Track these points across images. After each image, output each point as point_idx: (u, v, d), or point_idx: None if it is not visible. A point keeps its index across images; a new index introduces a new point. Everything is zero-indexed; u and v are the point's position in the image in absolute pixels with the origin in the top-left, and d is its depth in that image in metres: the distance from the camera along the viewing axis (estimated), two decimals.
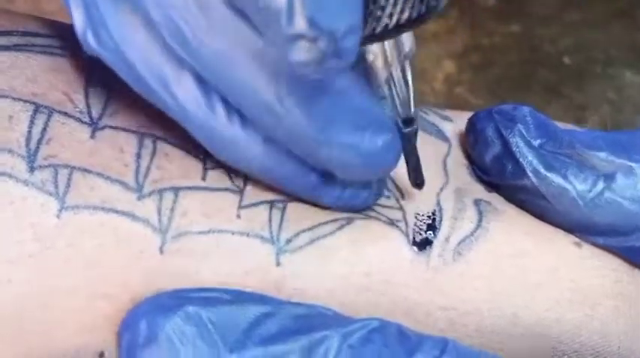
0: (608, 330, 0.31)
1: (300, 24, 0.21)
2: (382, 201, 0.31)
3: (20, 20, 0.30)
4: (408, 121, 0.29)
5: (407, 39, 0.27)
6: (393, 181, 0.31)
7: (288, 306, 0.27)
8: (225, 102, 0.25)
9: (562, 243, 0.32)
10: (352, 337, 0.26)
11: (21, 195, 0.27)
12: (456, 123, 0.34)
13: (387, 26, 0.25)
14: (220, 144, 0.26)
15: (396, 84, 0.28)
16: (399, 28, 0.25)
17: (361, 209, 0.30)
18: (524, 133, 0.31)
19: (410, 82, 0.28)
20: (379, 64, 0.27)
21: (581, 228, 0.31)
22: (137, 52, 0.25)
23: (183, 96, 0.25)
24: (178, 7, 0.24)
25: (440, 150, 0.33)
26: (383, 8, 0.25)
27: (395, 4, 0.25)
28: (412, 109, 0.29)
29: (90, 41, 0.25)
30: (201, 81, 0.25)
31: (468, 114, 0.36)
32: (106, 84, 0.29)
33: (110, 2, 0.25)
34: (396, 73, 0.28)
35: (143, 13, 0.24)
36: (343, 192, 0.29)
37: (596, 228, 0.31)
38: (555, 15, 0.67)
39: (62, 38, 0.30)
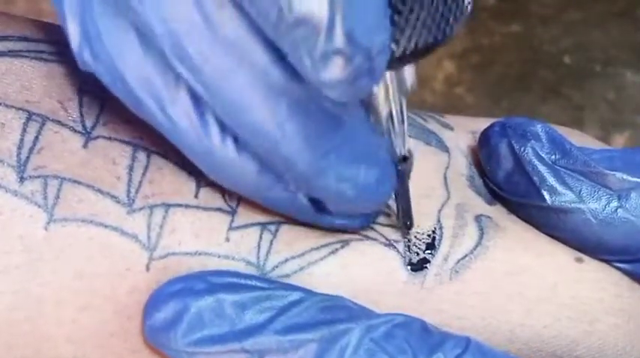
0: (607, 346, 0.31)
1: (339, 39, 0.21)
2: (382, 219, 0.30)
3: (16, 25, 0.30)
4: (404, 158, 0.28)
5: (409, 75, 0.26)
6: (393, 199, 0.31)
7: (315, 297, 0.27)
8: (221, 123, 0.25)
9: (563, 258, 0.31)
10: (375, 331, 0.26)
11: (10, 206, 0.27)
12: (456, 130, 0.34)
13: (406, 50, 0.24)
14: (213, 165, 0.26)
15: (394, 120, 0.27)
16: (416, 54, 0.25)
17: (359, 229, 0.30)
18: (538, 150, 0.30)
19: (405, 119, 0.27)
20: (381, 98, 0.27)
21: (593, 246, 0.31)
22: (133, 70, 0.24)
23: (178, 116, 0.24)
24: (184, 22, 0.23)
25: (441, 162, 0.32)
26: (403, 31, 0.24)
27: (414, 28, 0.24)
28: (406, 146, 0.28)
29: (85, 57, 0.25)
30: (197, 101, 0.24)
31: (467, 120, 0.35)
32: (101, 93, 0.29)
33: (107, 16, 0.24)
34: (395, 109, 0.27)
35: (143, 27, 0.24)
36: (335, 218, 0.28)
37: (607, 247, 0.31)
38: (555, 15, 0.67)
39: (59, 44, 0.29)
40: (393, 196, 0.29)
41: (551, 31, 0.66)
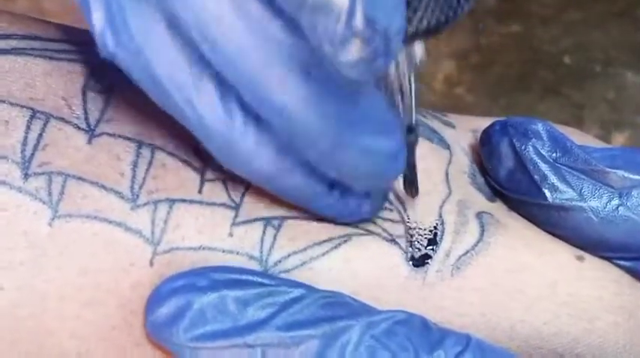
0: (607, 344, 0.31)
1: (359, 22, 0.21)
2: (385, 213, 0.30)
3: (20, 22, 0.30)
4: (411, 129, 0.29)
5: (418, 49, 0.27)
6: (396, 194, 0.31)
7: (316, 293, 0.27)
8: (243, 107, 0.25)
9: (564, 256, 0.31)
10: (376, 328, 0.26)
11: (15, 203, 0.27)
12: (457, 128, 0.34)
13: (417, 29, 0.25)
14: (231, 150, 0.26)
15: (404, 92, 0.28)
16: (427, 32, 0.26)
17: (362, 221, 0.30)
18: (539, 148, 0.31)
19: (414, 92, 0.28)
20: (391, 72, 0.27)
21: (594, 244, 0.31)
22: (158, 55, 0.24)
23: (200, 100, 0.25)
24: (210, 9, 0.23)
25: (442, 159, 0.32)
26: (415, 10, 0.25)
27: (426, 8, 0.25)
28: (414, 118, 0.29)
29: (108, 42, 0.25)
30: (221, 86, 0.25)
31: (468, 118, 0.36)
32: (105, 89, 0.29)
33: (134, 2, 0.24)
34: (405, 82, 0.28)
35: (169, 14, 0.24)
36: (347, 203, 0.28)
37: (608, 244, 0.31)
38: (555, 15, 0.67)
39: (62, 41, 0.30)
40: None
41: (551, 31, 0.66)
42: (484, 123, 0.34)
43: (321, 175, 0.27)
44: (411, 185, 0.30)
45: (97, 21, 0.24)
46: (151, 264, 0.28)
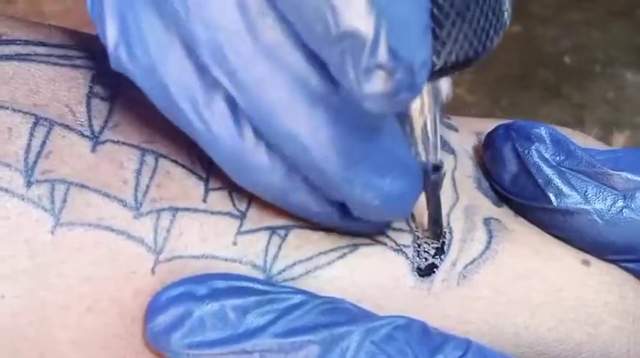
0: (611, 349, 0.31)
1: (383, 54, 0.21)
2: (393, 222, 0.30)
3: (23, 28, 0.30)
4: (436, 168, 0.28)
5: (444, 85, 0.26)
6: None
7: (316, 300, 0.27)
8: (254, 128, 0.25)
9: (570, 261, 0.31)
10: (376, 333, 0.26)
11: (17, 211, 0.27)
12: (460, 132, 0.34)
13: (446, 63, 0.25)
14: (242, 167, 0.26)
15: (428, 130, 0.27)
16: (455, 67, 0.25)
17: (376, 232, 0.30)
18: (542, 151, 0.31)
19: (438, 130, 0.28)
20: (416, 109, 0.27)
21: (599, 247, 0.31)
22: (171, 70, 0.24)
23: (212, 117, 0.25)
24: (227, 30, 0.23)
25: (448, 164, 0.32)
26: (444, 44, 0.24)
27: (455, 41, 0.24)
28: (438, 156, 0.28)
29: (122, 56, 0.24)
30: (232, 104, 0.24)
31: (471, 121, 0.35)
32: (110, 96, 0.29)
33: (150, 17, 0.24)
34: (430, 120, 0.27)
35: (183, 30, 0.24)
36: (356, 220, 0.28)
37: (613, 247, 0.31)
38: (555, 15, 0.67)
39: (66, 47, 0.30)
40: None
41: (551, 31, 0.66)
42: (487, 125, 0.33)
43: (330, 198, 0.27)
44: (436, 224, 0.30)
45: (111, 34, 0.24)
46: (153, 272, 0.27)
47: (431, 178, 0.28)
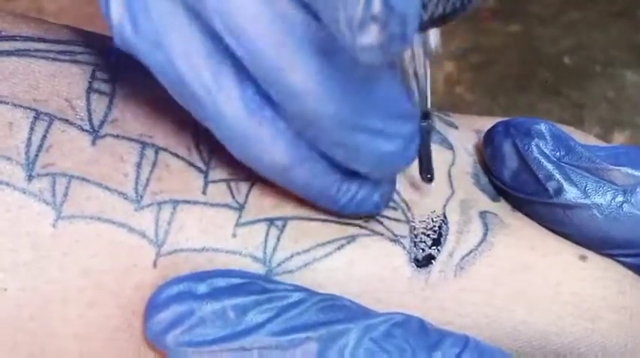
0: (609, 344, 0.31)
1: (377, 6, 0.21)
2: (389, 212, 0.30)
3: (23, 24, 0.30)
4: (425, 115, 0.29)
5: (433, 36, 0.27)
6: (399, 194, 0.31)
7: (314, 297, 0.27)
8: (260, 96, 0.25)
9: (567, 256, 0.32)
10: (374, 330, 0.26)
11: (18, 204, 0.27)
12: (460, 128, 0.34)
13: (433, 15, 0.26)
14: (247, 140, 0.26)
15: (419, 79, 0.28)
16: (443, 19, 0.26)
17: (370, 214, 0.30)
18: (542, 147, 0.31)
19: (429, 79, 0.28)
20: (407, 58, 0.28)
21: (598, 242, 0.31)
22: (176, 41, 0.24)
23: (219, 89, 0.25)
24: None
25: (445, 159, 0.33)
26: None
27: None
28: (429, 104, 0.29)
29: (126, 31, 0.24)
30: (239, 75, 0.25)
31: (471, 118, 0.36)
32: (109, 90, 0.29)
33: None
34: (420, 69, 0.28)
35: (192, 3, 0.24)
36: (357, 193, 0.28)
37: (613, 242, 0.31)
38: (555, 15, 0.67)
39: (65, 43, 0.30)
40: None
41: (551, 31, 0.66)
42: (487, 123, 0.34)
43: (333, 165, 0.27)
44: (427, 171, 0.30)
45: (115, 8, 0.24)
46: (155, 265, 0.28)
47: (422, 124, 0.29)
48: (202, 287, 0.27)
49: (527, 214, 0.32)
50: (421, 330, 0.27)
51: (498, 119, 0.33)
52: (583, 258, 0.32)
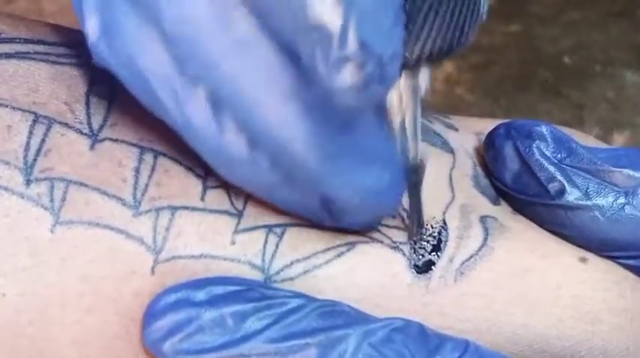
0: (609, 347, 0.31)
1: (352, 46, 0.21)
2: (388, 220, 0.30)
3: (23, 26, 0.30)
4: (415, 168, 0.28)
5: (423, 81, 0.26)
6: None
7: (313, 304, 0.27)
8: (235, 121, 0.25)
9: (567, 258, 0.31)
10: (373, 336, 0.26)
11: (16, 209, 0.27)
12: (460, 131, 0.34)
13: (420, 57, 0.25)
14: (226, 163, 0.26)
15: (407, 127, 0.27)
16: (430, 60, 0.25)
17: (367, 229, 0.30)
18: (543, 149, 0.31)
19: (419, 127, 0.27)
20: (395, 104, 0.27)
21: (600, 243, 0.31)
22: (150, 64, 0.24)
23: (193, 112, 0.24)
24: (198, 23, 0.23)
25: (445, 163, 0.32)
26: (417, 38, 0.24)
27: (429, 35, 0.24)
28: (419, 155, 0.28)
29: (102, 50, 0.25)
30: (212, 98, 0.24)
31: (471, 120, 0.35)
32: (109, 94, 0.29)
33: (128, 10, 0.24)
34: (409, 116, 0.27)
35: (160, 25, 0.24)
36: (344, 219, 0.28)
37: (614, 243, 0.31)
38: (555, 15, 0.67)
39: (65, 45, 0.30)
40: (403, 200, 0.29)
41: (551, 31, 0.66)
42: (487, 125, 0.33)
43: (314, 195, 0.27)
44: (414, 225, 0.30)
45: (91, 27, 0.24)
46: (153, 272, 0.27)
47: (411, 178, 0.28)
48: (201, 295, 0.27)
49: (528, 216, 0.32)
50: (421, 335, 0.27)
51: (498, 121, 0.33)
52: (583, 260, 0.32)
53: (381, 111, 0.26)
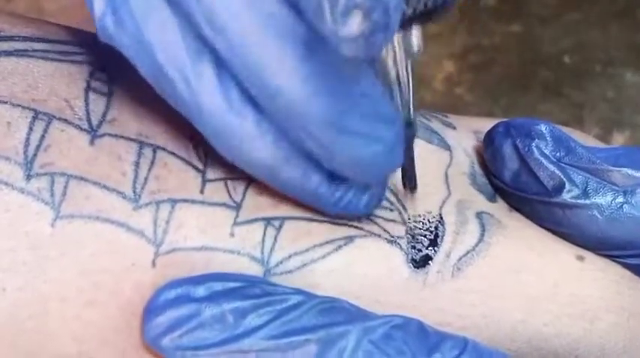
0: (607, 345, 0.31)
1: None
2: (385, 213, 0.30)
3: (22, 24, 0.30)
4: (409, 124, 0.28)
5: (416, 38, 0.27)
6: (396, 194, 0.31)
7: (313, 300, 0.27)
8: (242, 93, 0.25)
9: (564, 256, 0.31)
10: (373, 333, 0.26)
11: (17, 203, 0.27)
12: (458, 129, 0.34)
13: (415, 11, 0.25)
14: (230, 137, 0.26)
15: (401, 84, 0.28)
16: (425, 15, 0.26)
17: (362, 217, 0.30)
18: (542, 148, 0.31)
19: (412, 84, 0.28)
20: (389, 61, 0.27)
21: (598, 242, 0.31)
22: (157, 34, 0.24)
23: (199, 83, 0.24)
24: None
25: (442, 160, 0.32)
26: None
27: None
28: (412, 111, 0.28)
29: (108, 24, 0.24)
30: (219, 69, 0.24)
31: (469, 119, 0.36)
32: (107, 91, 0.29)
33: None
34: (402, 73, 0.28)
35: None
36: (345, 195, 0.28)
37: (612, 242, 0.31)
38: (555, 15, 0.67)
39: (64, 43, 0.30)
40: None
41: (551, 31, 0.66)
42: (485, 124, 0.34)
43: (319, 166, 0.27)
44: (410, 180, 0.30)
45: (98, 3, 0.24)
46: (154, 264, 0.27)
47: (405, 134, 0.28)
48: (201, 291, 0.27)
49: (526, 214, 0.32)
50: (420, 332, 0.27)
51: (497, 120, 0.33)
52: (581, 258, 0.32)
53: (374, 67, 0.27)
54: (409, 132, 0.29)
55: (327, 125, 0.25)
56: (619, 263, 0.32)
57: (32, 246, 0.27)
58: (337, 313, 0.27)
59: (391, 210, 0.30)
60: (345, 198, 0.28)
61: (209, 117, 0.25)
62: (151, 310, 0.27)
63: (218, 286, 0.27)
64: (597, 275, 0.32)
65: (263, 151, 0.26)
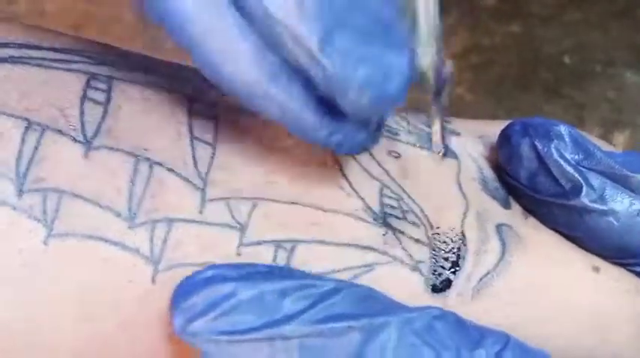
0: (623, 355, 0.31)
1: None
2: (412, 230, 0.30)
3: (17, 31, 0.29)
4: (437, 49, 0.26)
5: None
6: (422, 210, 0.30)
7: (351, 287, 0.26)
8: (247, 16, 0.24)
9: (581, 267, 0.31)
10: (415, 323, 0.25)
11: (8, 220, 0.26)
12: (463, 135, 0.34)
13: None
14: (209, 42, 0.24)
15: (421, 12, 0.25)
16: None
17: (358, 152, 0.28)
18: (562, 149, 0.30)
19: (437, 18, 0.25)
20: None
21: (613, 250, 0.31)
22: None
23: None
24: None
25: (452, 169, 0.32)
26: None
27: None
28: (435, 49, 0.26)
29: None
30: None
31: (473, 124, 0.35)
32: (103, 100, 0.28)
33: None
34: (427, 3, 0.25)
35: None
36: (340, 129, 0.26)
37: (627, 250, 0.31)
38: (555, 15, 0.67)
39: (60, 51, 0.29)
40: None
41: (551, 31, 0.66)
42: (490, 128, 0.33)
43: (308, 90, 0.25)
44: (438, 95, 0.27)
45: None
46: (154, 281, 0.27)
47: (441, 76, 0.26)
48: (235, 272, 0.26)
49: (541, 216, 0.32)
50: (458, 325, 0.26)
51: (500, 123, 0.33)
52: (596, 269, 0.31)
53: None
54: (438, 57, 0.26)
55: (315, 40, 0.23)
56: (633, 272, 0.32)
57: (25, 262, 0.26)
58: (375, 302, 0.26)
59: (417, 225, 0.30)
60: (337, 133, 0.26)
61: (190, 16, 0.24)
62: (183, 290, 0.25)
63: (251, 269, 0.26)
64: (613, 285, 0.31)
65: (250, 65, 0.24)
